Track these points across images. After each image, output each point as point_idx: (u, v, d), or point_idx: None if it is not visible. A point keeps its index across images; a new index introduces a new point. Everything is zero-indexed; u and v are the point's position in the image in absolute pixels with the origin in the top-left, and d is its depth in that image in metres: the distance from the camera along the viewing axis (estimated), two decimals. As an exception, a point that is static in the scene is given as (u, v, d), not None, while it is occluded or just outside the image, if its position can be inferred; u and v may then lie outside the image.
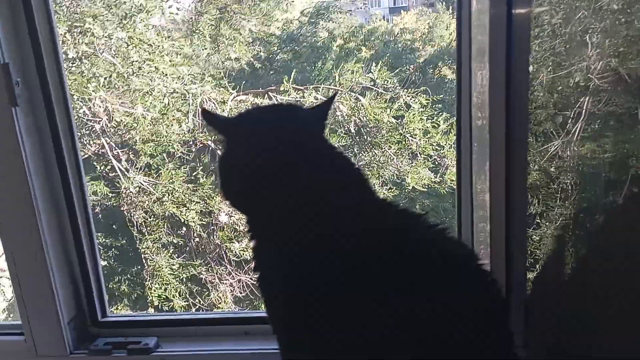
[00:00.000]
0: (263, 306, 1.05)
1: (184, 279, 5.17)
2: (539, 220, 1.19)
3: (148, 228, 5.00)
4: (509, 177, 1.11)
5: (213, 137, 4.81)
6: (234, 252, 5.08)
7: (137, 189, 4.84)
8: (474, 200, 1.26)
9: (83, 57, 4.47)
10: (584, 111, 1.03)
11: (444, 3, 7.68)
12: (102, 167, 4.97)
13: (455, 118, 1.30)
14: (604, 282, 1.01)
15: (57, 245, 1.40)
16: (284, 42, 5.89)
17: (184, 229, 5.14)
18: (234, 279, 5.23)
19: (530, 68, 1.11)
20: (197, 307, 5.18)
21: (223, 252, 5.23)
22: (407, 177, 5.15)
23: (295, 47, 5.94)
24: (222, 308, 5.15)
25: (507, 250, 1.14)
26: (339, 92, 4.92)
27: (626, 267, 0.96)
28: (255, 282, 1.08)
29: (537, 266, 1.19)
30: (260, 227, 1.06)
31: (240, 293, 5.23)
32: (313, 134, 1.09)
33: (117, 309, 5.24)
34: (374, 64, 5.20)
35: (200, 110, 4.66)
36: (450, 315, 0.85)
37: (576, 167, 1.10)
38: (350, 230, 0.94)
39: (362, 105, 5.03)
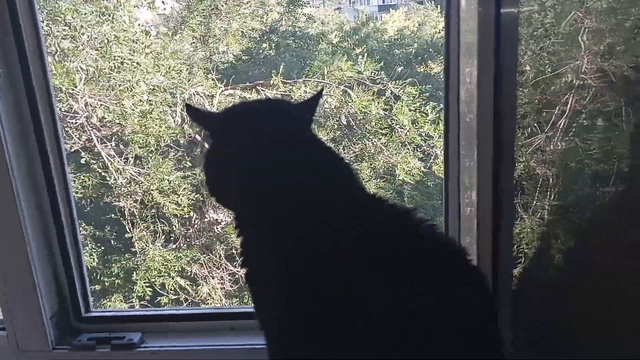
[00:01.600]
0: (251, 301, 1.05)
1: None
2: (522, 213, 1.20)
3: (141, 221, 4.97)
4: (497, 173, 1.12)
5: (200, 132, 4.81)
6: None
7: (128, 180, 4.82)
8: (461, 195, 1.26)
9: (66, 50, 4.41)
10: (568, 108, 1.04)
11: (432, 2, 7.70)
12: (89, 160, 4.91)
13: (443, 114, 1.30)
14: (590, 277, 1.02)
15: (39, 239, 1.38)
16: (265, 34, 5.84)
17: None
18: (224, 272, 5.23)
19: (527, 68, 1.11)
20: (189, 301, 5.16)
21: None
22: (397, 167, 5.16)
23: (278, 40, 5.91)
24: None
25: (494, 246, 1.15)
26: (326, 86, 4.92)
27: (612, 262, 0.97)
28: (243, 278, 1.08)
29: (523, 261, 1.20)
30: (247, 222, 1.05)
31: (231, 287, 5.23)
32: (300, 128, 1.08)
33: (110, 301, 5.19)
34: (360, 58, 5.21)
35: (184, 106, 4.65)
36: (438, 312, 0.85)
37: (561, 162, 1.10)
38: (338, 226, 0.94)
39: (351, 98, 5.04)
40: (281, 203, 0.98)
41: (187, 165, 5.09)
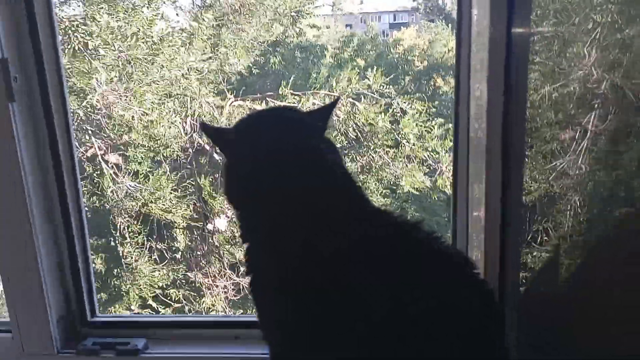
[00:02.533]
0: (255, 310, 1.05)
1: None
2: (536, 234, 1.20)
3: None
4: (506, 190, 1.12)
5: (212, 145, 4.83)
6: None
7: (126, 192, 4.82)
8: (469, 211, 1.27)
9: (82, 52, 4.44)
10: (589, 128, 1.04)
11: (443, 20, 7.73)
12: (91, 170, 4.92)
13: (451, 131, 1.32)
14: (597, 291, 1.02)
15: (48, 242, 1.39)
16: (273, 46, 5.88)
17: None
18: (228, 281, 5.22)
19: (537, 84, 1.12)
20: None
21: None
22: (402, 179, 5.17)
23: (283, 51, 5.94)
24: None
25: (502, 260, 1.15)
26: (341, 97, 4.93)
27: (620, 276, 0.97)
28: (247, 286, 1.08)
29: (529, 274, 1.20)
30: (250, 229, 1.07)
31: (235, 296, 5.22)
32: (309, 136, 1.10)
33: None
34: (369, 71, 5.24)
35: (199, 124, 4.69)
36: (445, 324, 0.86)
37: (582, 183, 1.10)
38: (345, 237, 0.95)
39: (358, 110, 5.05)
40: (281, 208, 1.00)
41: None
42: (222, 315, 4.53)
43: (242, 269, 5.10)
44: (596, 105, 1.00)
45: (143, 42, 4.53)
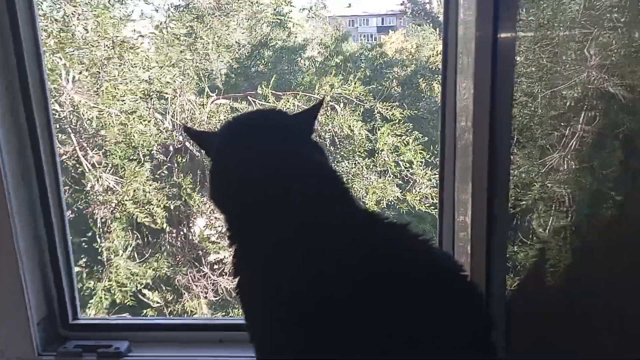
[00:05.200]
0: (242, 312, 1.05)
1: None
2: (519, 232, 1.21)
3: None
4: (492, 192, 1.13)
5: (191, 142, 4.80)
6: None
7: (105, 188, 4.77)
8: (455, 214, 1.28)
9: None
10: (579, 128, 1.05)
11: (431, 24, 7.79)
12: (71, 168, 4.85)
13: (439, 134, 1.33)
14: (585, 292, 1.03)
15: (29, 243, 1.37)
16: (256, 47, 5.86)
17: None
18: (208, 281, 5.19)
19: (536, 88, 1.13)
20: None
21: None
22: (369, 192, 5.19)
23: (267, 53, 5.93)
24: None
25: (488, 260, 1.16)
26: (324, 99, 4.92)
27: (608, 276, 0.98)
28: (234, 288, 1.08)
29: (517, 275, 1.21)
30: (238, 233, 1.06)
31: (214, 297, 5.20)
32: (298, 144, 1.10)
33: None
34: (351, 77, 5.27)
35: (182, 128, 4.65)
36: (434, 327, 0.86)
37: (571, 180, 1.11)
38: (334, 239, 0.95)
39: (337, 114, 5.06)
40: (267, 212, 0.99)
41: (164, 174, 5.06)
42: (206, 318, 4.51)
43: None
44: (585, 107, 1.02)
45: (113, 42, 4.48)
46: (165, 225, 4.87)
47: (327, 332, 0.88)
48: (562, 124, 1.09)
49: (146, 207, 4.74)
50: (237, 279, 1.04)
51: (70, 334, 1.44)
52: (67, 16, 4.42)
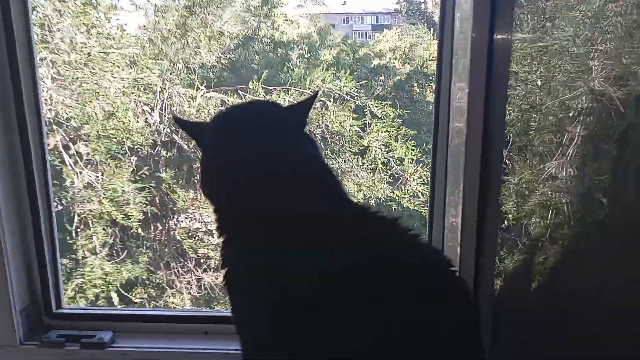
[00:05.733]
0: (229, 304, 1.04)
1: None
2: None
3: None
4: (483, 193, 1.13)
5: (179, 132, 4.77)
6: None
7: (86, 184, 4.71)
8: (446, 214, 1.29)
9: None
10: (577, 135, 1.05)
11: (425, 24, 7.79)
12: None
13: (432, 135, 1.33)
14: (573, 295, 1.04)
15: (14, 231, 1.35)
16: (247, 40, 5.82)
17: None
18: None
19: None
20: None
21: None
22: (363, 188, 5.19)
23: (255, 46, 5.90)
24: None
25: (477, 262, 1.17)
26: (319, 92, 4.90)
27: (598, 279, 0.99)
28: (221, 279, 1.07)
29: (506, 278, 1.22)
30: (226, 225, 1.06)
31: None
32: (291, 135, 1.09)
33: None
34: (342, 72, 5.26)
35: (172, 118, 4.61)
36: (422, 322, 0.86)
37: (569, 187, 1.12)
38: (323, 231, 0.95)
39: (328, 110, 5.05)
40: (256, 203, 0.99)
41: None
42: (192, 310, 4.49)
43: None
44: (584, 112, 1.02)
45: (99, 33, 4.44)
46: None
47: (314, 324, 0.88)
48: (560, 130, 1.09)
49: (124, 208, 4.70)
50: (224, 270, 1.04)
51: (54, 322, 1.42)
52: (54, 10, 4.36)
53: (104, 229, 4.83)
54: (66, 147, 4.70)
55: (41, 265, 1.40)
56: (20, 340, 1.37)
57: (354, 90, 5.15)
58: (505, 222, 1.21)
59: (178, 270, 5.18)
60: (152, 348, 1.38)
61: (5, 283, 1.33)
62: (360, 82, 5.32)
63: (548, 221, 1.11)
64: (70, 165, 4.68)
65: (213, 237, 4.94)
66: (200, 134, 1.13)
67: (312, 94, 4.64)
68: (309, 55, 5.92)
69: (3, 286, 1.33)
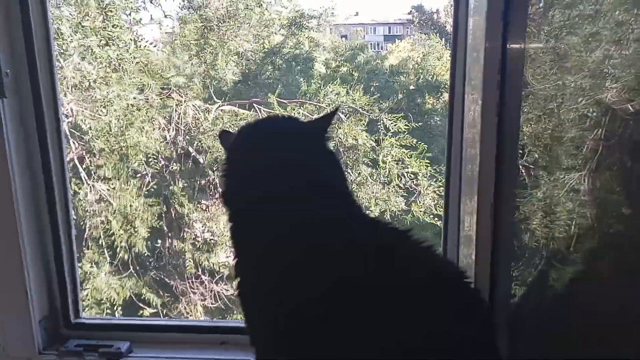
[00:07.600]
0: (242, 314, 1.05)
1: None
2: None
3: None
4: (498, 205, 1.13)
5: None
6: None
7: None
8: (461, 225, 1.28)
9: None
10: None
11: (437, 34, 7.79)
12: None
13: (446, 145, 1.33)
14: (589, 305, 1.03)
15: (34, 241, 1.37)
16: (267, 55, 5.88)
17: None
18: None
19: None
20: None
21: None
22: (377, 202, 5.19)
23: (279, 61, 5.95)
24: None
25: (492, 272, 1.16)
26: (339, 107, 4.91)
27: (611, 290, 0.98)
28: (235, 289, 1.08)
29: (522, 286, 1.21)
30: (247, 233, 1.07)
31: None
32: (309, 150, 1.11)
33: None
34: (356, 86, 5.29)
35: (220, 132, 4.66)
36: (437, 334, 0.86)
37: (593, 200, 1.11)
38: (337, 244, 0.95)
39: (341, 124, 5.07)
40: (273, 216, 1.01)
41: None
42: (208, 320, 4.49)
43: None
44: (602, 123, 1.01)
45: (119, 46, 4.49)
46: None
47: (328, 336, 0.88)
48: (575, 142, 1.08)
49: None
50: (237, 280, 1.05)
51: (72, 333, 1.44)
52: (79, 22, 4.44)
53: (113, 241, 4.89)
54: (80, 160, 4.78)
55: (59, 276, 1.42)
56: (39, 349, 1.38)
57: (367, 105, 5.18)
58: (521, 234, 1.20)
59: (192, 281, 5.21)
60: (169, 358, 1.39)
61: (25, 294, 1.35)
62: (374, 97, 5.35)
63: (566, 233, 1.10)
64: (84, 178, 4.74)
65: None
66: (226, 143, 1.17)
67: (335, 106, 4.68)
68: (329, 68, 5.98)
69: (23, 296, 1.35)
